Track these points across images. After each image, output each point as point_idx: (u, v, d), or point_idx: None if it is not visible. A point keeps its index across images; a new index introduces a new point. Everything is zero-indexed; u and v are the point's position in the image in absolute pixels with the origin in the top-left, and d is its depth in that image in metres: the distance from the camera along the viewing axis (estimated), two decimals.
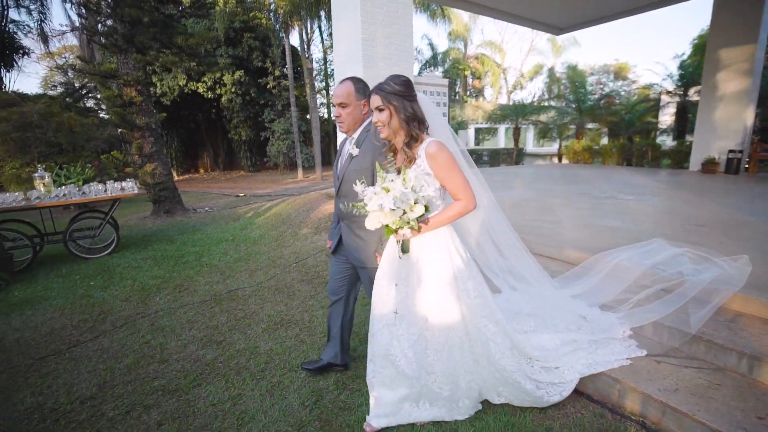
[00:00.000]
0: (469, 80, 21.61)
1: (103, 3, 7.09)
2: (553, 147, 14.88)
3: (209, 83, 14.83)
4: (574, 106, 13.73)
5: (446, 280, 1.82)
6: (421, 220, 1.71)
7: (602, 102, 14.63)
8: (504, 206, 5.13)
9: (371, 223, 1.62)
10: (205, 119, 18.23)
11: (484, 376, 1.98)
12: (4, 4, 16.73)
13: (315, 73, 16.82)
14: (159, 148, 8.24)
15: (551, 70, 18.11)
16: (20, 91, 15.66)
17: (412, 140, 1.72)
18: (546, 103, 17.24)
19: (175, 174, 19.35)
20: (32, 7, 16.17)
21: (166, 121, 17.52)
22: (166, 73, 14.17)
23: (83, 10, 7.36)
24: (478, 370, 1.97)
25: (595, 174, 9.55)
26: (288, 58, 14.27)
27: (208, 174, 19.79)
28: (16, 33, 16.61)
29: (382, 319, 1.92)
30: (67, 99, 15.88)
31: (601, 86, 17.19)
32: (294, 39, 16.87)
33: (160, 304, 3.84)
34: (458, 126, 16.31)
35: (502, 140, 19.04)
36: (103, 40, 7.38)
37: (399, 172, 1.73)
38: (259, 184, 14.96)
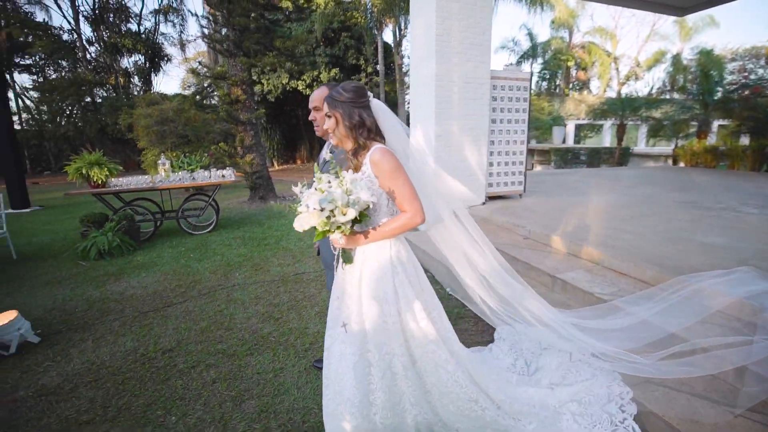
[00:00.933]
0: (573, 72, 19.70)
1: (219, 15, 8.16)
2: (669, 147, 12.77)
3: (308, 81, 16.03)
4: (698, 98, 11.57)
5: (386, 299, 1.67)
6: (361, 230, 1.66)
7: (746, 93, 12.06)
8: (583, 211, 4.67)
9: (299, 224, 1.54)
10: (303, 114, 19.78)
11: (436, 409, 1.74)
12: (157, 20, 20.28)
13: (405, 69, 17.03)
14: (257, 141, 9.23)
15: (676, 57, 15.46)
16: (161, 91, 18.92)
17: (359, 148, 1.68)
18: (666, 96, 14.87)
19: (275, 164, 21.45)
20: (175, 21, 19.31)
21: (270, 116, 19.46)
22: (271, 72, 15.72)
23: (205, 21, 8.53)
24: (429, 403, 1.74)
25: (715, 180, 8.03)
26: (380, 55, 14.70)
27: (304, 165, 21.49)
28: (162, 43, 20.03)
29: (333, 334, 1.78)
30: (196, 97, 18.67)
31: (746, 74, 14.17)
32: (387, 36, 17.30)
33: (238, 279, 4.37)
34: (553, 122, 15.04)
35: (607, 138, 16.98)
36: (218, 46, 8.50)
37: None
38: None
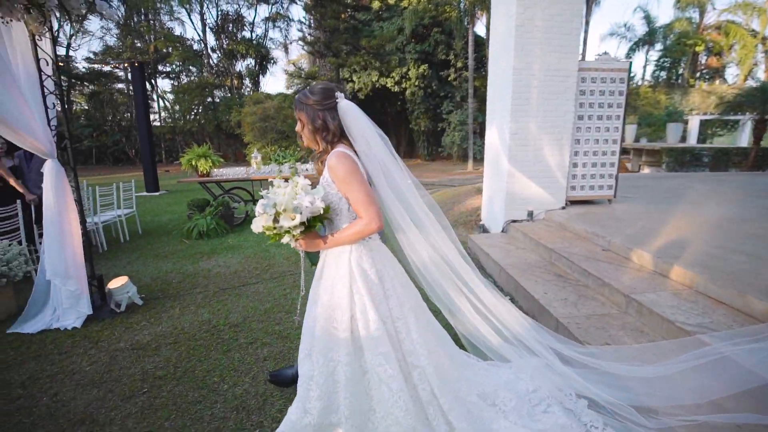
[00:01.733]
0: (702, 58, 16.62)
1: (312, 18, 8.72)
2: None
3: (396, 78, 16.29)
4: None
5: (339, 305, 1.62)
6: (322, 234, 1.64)
7: None
8: (684, 224, 3.95)
9: (254, 226, 1.54)
10: (392, 111, 20.20)
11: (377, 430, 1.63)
12: (267, 27, 22.46)
13: None
14: None
15: None
16: (267, 91, 20.95)
17: (323, 152, 1.63)
18: None
19: None
20: (281, 26, 21.19)
21: None
22: (362, 71, 16.33)
23: (302, 25, 9.19)
24: (371, 422, 1.63)
25: None
26: (470, 48, 14.25)
27: None
28: (270, 47, 22.16)
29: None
30: (296, 95, 20.32)
31: None
32: (479, 29, 16.65)
33: (307, 267, 4.66)
34: (668, 117, 12.90)
35: (743, 137, 13.88)
36: (310, 48, 9.10)
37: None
38: (429, 172, 15.72)
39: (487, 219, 5.54)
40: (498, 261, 3.92)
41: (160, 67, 22.79)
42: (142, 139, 11.79)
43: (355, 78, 17.22)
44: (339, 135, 1.62)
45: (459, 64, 15.83)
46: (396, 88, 16.54)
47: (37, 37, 3.06)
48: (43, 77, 3.16)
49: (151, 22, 20.63)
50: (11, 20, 2.71)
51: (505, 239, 4.66)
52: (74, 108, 24.93)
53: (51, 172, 3.23)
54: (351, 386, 1.59)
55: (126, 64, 12.18)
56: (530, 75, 4.50)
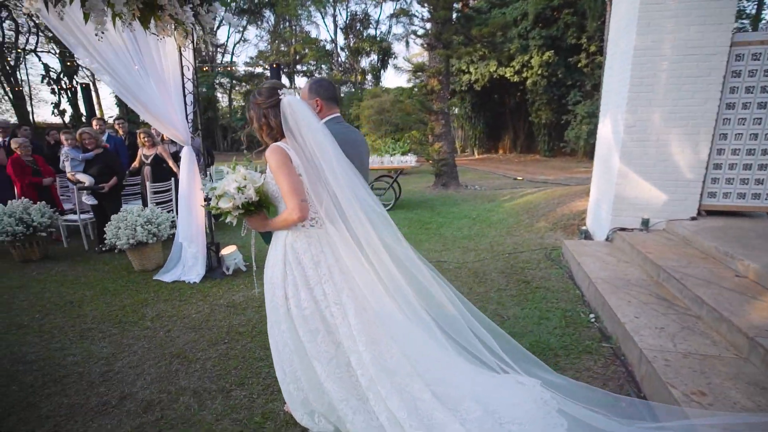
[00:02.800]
0: None
1: (425, 10, 8.74)
2: None
3: (516, 67, 15.23)
4: None
5: (275, 282, 1.77)
6: (270, 218, 1.80)
7: None
8: None
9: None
10: (511, 102, 19.01)
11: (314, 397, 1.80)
12: (390, 24, 23.28)
13: None
14: (447, 130, 9.58)
15: None
16: (387, 86, 21.84)
17: (268, 146, 1.70)
18: None
19: (475, 153, 21.58)
20: (403, 21, 21.73)
21: (476, 105, 19.57)
22: (480, 61, 15.70)
23: (415, 19, 9.32)
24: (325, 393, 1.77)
25: None
26: (607, 29, 12.43)
27: (505, 155, 20.77)
28: (392, 42, 22.97)
29: None
30: (414, 89, 20.74)
31: None
32: None
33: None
34: None
35: None
36: (420, 40, 9.15)
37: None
38: (546, 169, 14.41)
39: (591, 224, 4.87)
40: (589, 273, 3.44)
41: (298, 67, 25.78)
42: None
43: (471, 69, 16.69)
44: (278, 130, 1.70)
45: (592, 48, 13.93)
46: (515, 78, 15.48)
47: (182, 48, 3.81)
48: (185, 80, 3.92)
49: (293, 27, 23.41)
50: (163, 36, 3.43)
51: (606, 249, 4.04)
52: (233, 104, 30.03)
53: (186, 156, 4.02)
54: (297, 358, 1.78)
55: (268, 66, 14.21)
56: (657, 56, 3.75)
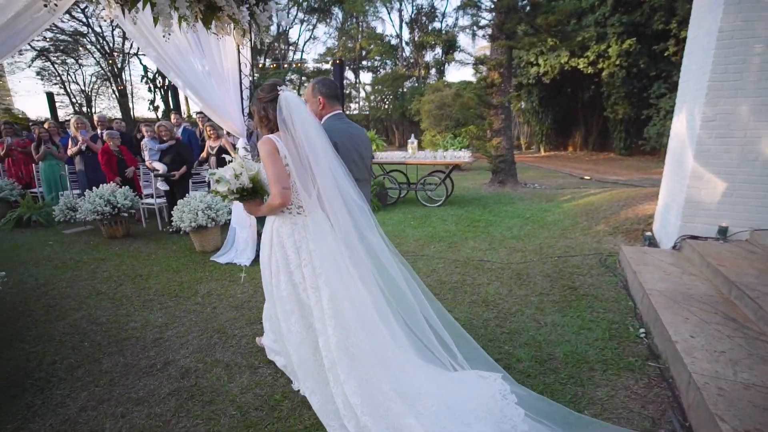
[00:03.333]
0: None
1: (488, 1, 8.40)
2: None
3: (591, 57, 14.02)
4: None
5: (264, 261, 2.03)
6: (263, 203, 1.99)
7: None
8: None
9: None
10: (583, 97, 17.59)
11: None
12: (457, 16, 22.71)
13: None
14: (507, 125, 9.15)
15: None
16: (451, 80, 21.42)
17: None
18: None
19: (541, 150, 20.35)
20: (471, 12, 21.06)
21: (544, 98, 18.41)
22: (550, 52, 14.70)
23: (475, 10, 9.01)
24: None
25: None
26: None
27: (574, 153, 19.32)
28: (457, 34, 22.39)
29: None
30: (480, 83, 20.12)
31: None
32: None
33: (430, 251, 4.76)
34: None
35: None
36: (481, 32, 8.81)
37: None
38: (620, 169, 13.15)
39: (658, 230, 4.37)
40: (645, 283, 3.10)
41: (363, 63, 26.26)
42: None
43: (540, 60, 15.68)
44: (274, 123, 1.87)
45: (683, 34, 12.29)
46: (589, 70, 14.23)
47: (240, 46, 4.08)
48: (242, 76, 4.20)
49: (360, 24, 23.85)
50: (223, 35, 3.70)
51: (671, 258, 3.60)
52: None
53: (240, 147, 4.31)
54: (278, 325, 1.99)
55: (332, 62, 14.73)
56: (750, 37, 3.22)
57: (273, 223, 1.95)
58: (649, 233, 4.40)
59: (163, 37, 3.14)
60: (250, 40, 4.16)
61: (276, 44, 31.93)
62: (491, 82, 8.90)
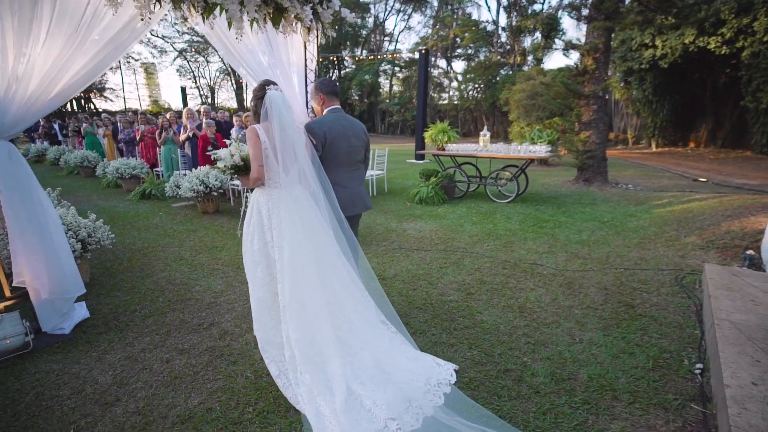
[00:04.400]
0: None
1: None
2: None
3: (728, 35, 11.63)
4: None
5: (246, 224, 2.46)
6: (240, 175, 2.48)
7: None
8: None
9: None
10: (713, 83, 14.74)
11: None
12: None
13: None
14: (599, 116, 8.20)
15: None
16: (547, 67, 19.67)
17: None
18: None
19: (653, 145, 17.69)
20: None
21: (660, 85, 15.89)
22: (671, 31, 12.56)
23: None
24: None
25: None
26: None
27: (696, 150, 16.40)
28: (560, 18, 20.37)
29: None
30: (569, 70, 18.20)
31: None
32: None
33: (481, 249, 4.61)
34: None
35: None
36: (575, 13, 7.95)
37: None
38: (753, 171, 10.82)
39: (766, 249, 3.57)
40: (717, 311, 2.61)
41: (458, 51, 25.56)
42: (418, 115, 14.01)
43: (657, 41, 13.48)
44: (259, 116, 2.29)
45: None
46: (724, 50, 11.79)
47: (307, 42, 4.37)
48: (308, 71, 4.50)
49: (455, 11, 23.15)
50: (288, 34, 4.01)
51: None
52: (392, 89, 31.95)
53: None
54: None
55: (418, 52, 14.55)
56: None
57: (256, 193, 2.40)
58: (751, 252, 3.64)
59: (236, 38, 3.54)
60: (317, 37, 4.44)
61: (372, 35, 32.85)
62: (583, 68, 8.02)
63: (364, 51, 34.72)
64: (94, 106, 32.77)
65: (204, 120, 7.44)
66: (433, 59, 27.51)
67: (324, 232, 2.31)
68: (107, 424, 2.00)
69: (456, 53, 25.20)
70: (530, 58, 22.63)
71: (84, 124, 12.10)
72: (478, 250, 4.56)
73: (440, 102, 27.96)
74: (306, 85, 4.52)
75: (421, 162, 13.77)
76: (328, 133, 2.53)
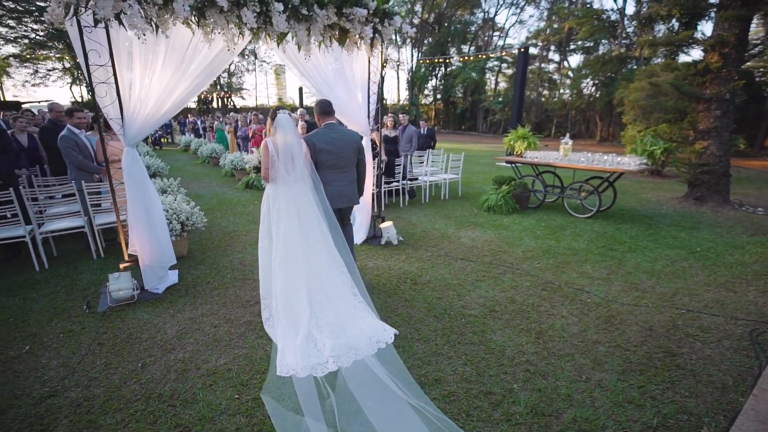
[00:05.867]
0: None
1: None
2: None
3: None
4: None
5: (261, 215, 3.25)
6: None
7: None
8: None
9: None
10: None
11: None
12: None
13: None
14: (722, 124, 6.89)
15: None
16: (671, 60, 16.57)
17: None
18: None
19: None
20: None
21: None
22: None
23: None
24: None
25: None
26: None
27: None
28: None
29: None
30: (685, 69, 15.05)
31: None
32: None
33: (529, 267, 4.44)
34: None
35: None
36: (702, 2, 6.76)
37: None
38: None
39: None
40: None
41: (571, 45, 23.32)
42: (513, 116, 13.39)
43: None
44: (271, 133, 3.18)
45: None
46: None
47: (371, 57, 4.73)
48: (370, 83, 4.87)
49: (573, 1, 21.05)
50: (352, 51, 4.42)
51: None
52: (498, 87, 30.63)
53: (365, 146, 5.04)
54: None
55: (518, 50, 13.60)
56: None
57: (266, 188, 3.23)
58: None
59: (305, 59, 4.07)
60: (381, 53, 4.77)
61: (480, 32, 31.89)
62: (704, 67, 6.82)
63: (472, 48, 33.92)
64: (233, 103, 38.42)
65: (299, 122, 8.40)
66: (545, 53, 25.58)
67: (314, 218, 3.12)
68: (161, 366, 2.67)
69: (571, 47, 22.95)
70: (662, 50, 19.40)
71: (215, 122, 14.56)
72: (525, 266, 4.42)
73: (551, 99, 25.85)
74: (368, 97, 4.90)
75: (509, 165, 13.15)
76: (317, 144, 3.35)
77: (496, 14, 27.89)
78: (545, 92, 27.06)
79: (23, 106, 15.74)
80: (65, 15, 2.93)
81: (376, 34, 4.35)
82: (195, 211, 4.77)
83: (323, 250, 3.11)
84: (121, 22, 2.86)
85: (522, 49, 12.57)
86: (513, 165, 7.82)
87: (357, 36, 4.23)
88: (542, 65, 26.14)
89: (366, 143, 5.02)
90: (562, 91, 25.66)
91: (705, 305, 3.47)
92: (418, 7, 33.48)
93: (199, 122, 17.97)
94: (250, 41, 3.76)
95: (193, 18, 3.17)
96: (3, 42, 24.50)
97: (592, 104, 20.86)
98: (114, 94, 3.38)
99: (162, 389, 2.44)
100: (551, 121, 25.27)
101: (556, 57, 26.25)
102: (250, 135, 10.92)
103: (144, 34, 2.97)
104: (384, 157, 6.97)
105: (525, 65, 12.70)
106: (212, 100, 37.01)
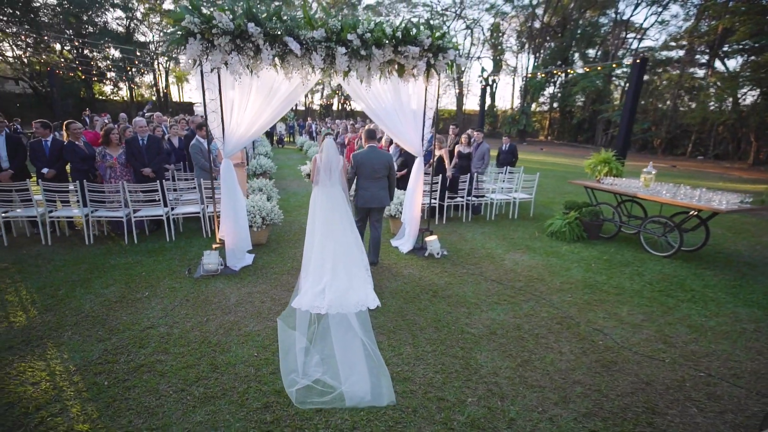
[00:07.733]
0: None
1: None
2: None
3: None
4: None
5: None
6: None
7: None
8: None
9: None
10: None
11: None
12: None
13: None
14: None
15: None
16: None
17: None
18: None
19: None
20: None
21: None
22: None
23: None
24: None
25: None
26: None
27: None
28: None
29: None
30: None
31: None
32: None
33: (560, 299, 4.45)
34: None
35: None
36: None
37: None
38: None
39: None
40: None
41: (725, 48, 19.54)
42: (620, 133, 12.16)
43: None
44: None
45: None
46: None
47: (427, 85, 5.22)
48: (426, 108, 5.36)
49: None
50: (408, 81, 4.98)
51: None
52: (624, 97, 27.26)
53: (417, 163, 5.55)
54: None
55: (633, 61, 11.80)
56: None
57: (313, 189, 4.49)
58: None
59: (365, 89, 4.81)
60: (438, 79, 5.23)
61: (610, 35, 28.78)
62: None
63: (599, 52, 30.82)
64: (352, 107, 41.64)
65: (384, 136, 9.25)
66: (688, 57, 21.76)
67: (344, 212, 4.39)
68: (217, 323, 3.68)
69: (723, 51, 19.14)
70: None
71: (323, 127, 16.49)
72: (554, 298, 4.43)
73: (689, 111, 21.98)
74: (423, 122, 5.41)
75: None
76: (358, 160, 4.74)
77: (633, 14, 24.84)
78: (689, 102, 22.98)
79: (194, 105, 20.23)
80: (193, 66, 4.16)
81: (431, 68, 4.84)
82: (274, 208, 5.91)
83: (350, 235, 4.37)
84: (227, 68, 3.96)
85: (638, 60, 11.35)
86: (589, 189, 7.38)
87: (411, 68, 4.79)
88: (685, 70, 22.32)
89: (418, 162, 5.54)
90: (708, 102, 21.61)
91: (735, 374, 3.15)
92: (539, 11, 31.73)
93: (313, 125, 20.47)
94: (321, 77, 4.64)
95: (276, 61, 4.15)
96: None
97: (745, 119, 17.15)
98: (219, 119, 4.58)
99: (212, 339, 3.42)
100: (688, 138, 21.54)
101: (701, 61, 22.10)
102: (346, 142, 12.24)
103: (240, 77, 4.04)
104: (449, 174, 7.36)
105: (639, 78, 11.42)
106: (332, 104, 40.84)
